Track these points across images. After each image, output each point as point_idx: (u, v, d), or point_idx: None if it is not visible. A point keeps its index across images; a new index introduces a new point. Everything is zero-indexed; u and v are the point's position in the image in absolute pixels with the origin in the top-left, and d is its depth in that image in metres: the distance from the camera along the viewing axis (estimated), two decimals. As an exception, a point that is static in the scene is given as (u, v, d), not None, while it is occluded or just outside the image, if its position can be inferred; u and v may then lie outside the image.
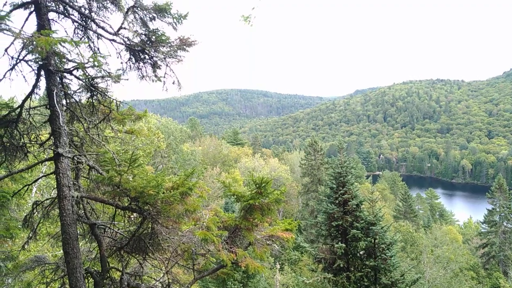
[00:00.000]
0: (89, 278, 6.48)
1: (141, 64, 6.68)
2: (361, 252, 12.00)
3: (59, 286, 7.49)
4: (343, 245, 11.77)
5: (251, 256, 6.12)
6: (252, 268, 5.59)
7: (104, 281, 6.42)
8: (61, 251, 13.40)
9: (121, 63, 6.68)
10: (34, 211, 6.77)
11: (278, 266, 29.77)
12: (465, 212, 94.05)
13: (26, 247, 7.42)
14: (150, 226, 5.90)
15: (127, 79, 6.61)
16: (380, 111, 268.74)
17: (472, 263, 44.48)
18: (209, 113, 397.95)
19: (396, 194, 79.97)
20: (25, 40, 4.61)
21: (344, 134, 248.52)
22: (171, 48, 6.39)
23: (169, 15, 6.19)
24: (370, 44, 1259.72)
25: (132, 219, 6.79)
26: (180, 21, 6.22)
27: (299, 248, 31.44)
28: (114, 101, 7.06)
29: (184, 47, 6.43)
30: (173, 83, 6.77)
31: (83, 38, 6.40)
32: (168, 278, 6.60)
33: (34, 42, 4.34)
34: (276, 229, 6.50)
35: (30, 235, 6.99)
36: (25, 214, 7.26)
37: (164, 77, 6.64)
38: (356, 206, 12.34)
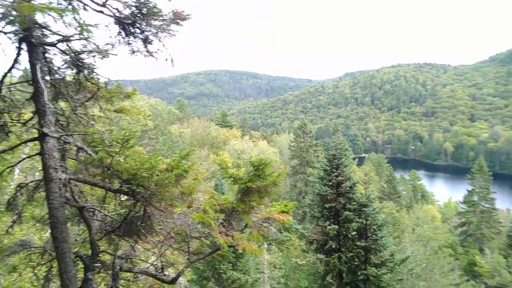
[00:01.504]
0: (78, 262, 6.24)
1: (132, 38, 6.27)
2: (352, 233, 12.02)
3: (46, 270, 7.23)
4: (336, 226, 11.76)
5: (247, 238, 5.95)
6: (250, 251, 5.43)
7: (95, 264, 6.19)
8: (47, 233, 13.06)
9: (110, 37, 6.27)
10: (18, 193, 6.43)
11: (266, 246, 30.00)
12: (445, 193, 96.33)
13: (10, 230, 7.10)
14: (142, 209, 5.66)
15: (116, 55, 6.21)
16: (368, 94, 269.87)
17: (451, 241, 45.98)
18: (197, 94, 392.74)
19: (381, 176, 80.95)
20: (5, 8, 4.19)
21: (332, 117, 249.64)
22: (164, 22, 5.99)
23: (161, -15, 5.77)
24: (363, 27, 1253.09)
25: (123, 201, 6.53)
26: (173, -9, 5.80)
27: (288, 229, 31.72)
28: (102, 78, 6.67)
29: (178, 21, 6.03)
30: (166, 60, 6.38)
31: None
32: (162, 261, 6.41)
33: (15, 10, 3.94)
34: (272, 211, 6.32)
35: (15, 218, 6.67)
36: (7, 197, 6.91)
37: (157, 52, 6.26)
38: (349, 188, 12.29)
